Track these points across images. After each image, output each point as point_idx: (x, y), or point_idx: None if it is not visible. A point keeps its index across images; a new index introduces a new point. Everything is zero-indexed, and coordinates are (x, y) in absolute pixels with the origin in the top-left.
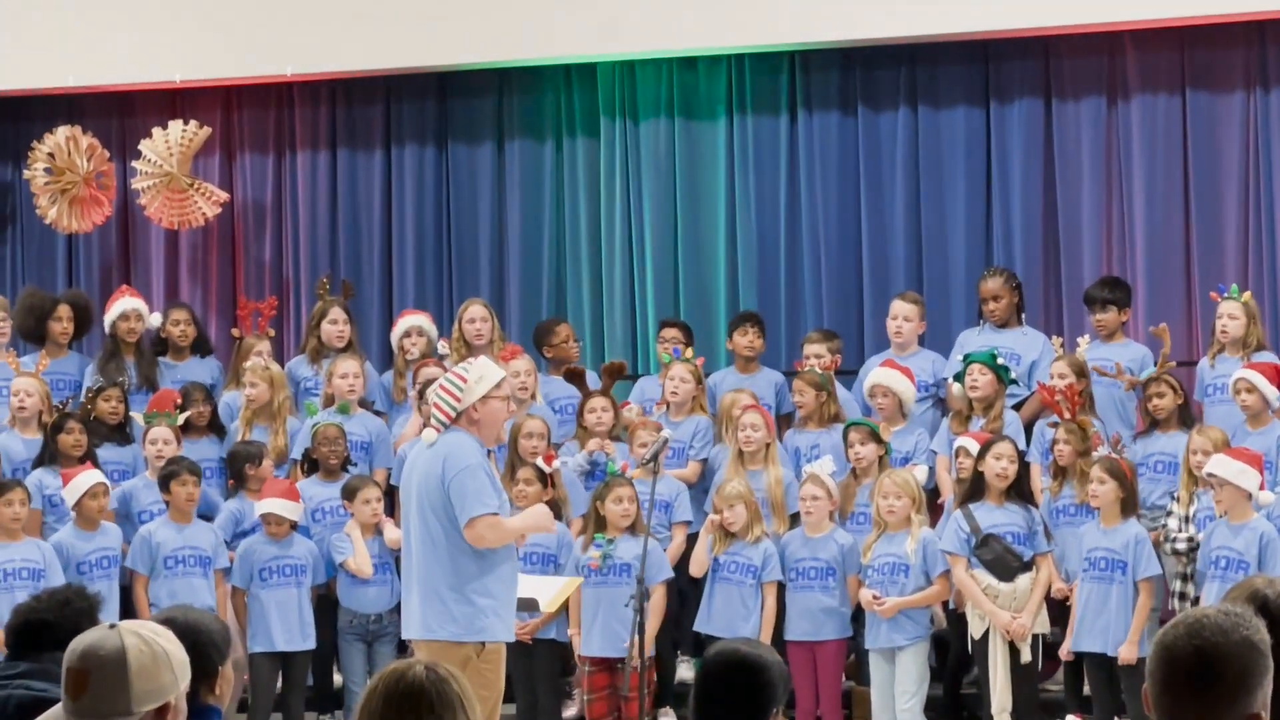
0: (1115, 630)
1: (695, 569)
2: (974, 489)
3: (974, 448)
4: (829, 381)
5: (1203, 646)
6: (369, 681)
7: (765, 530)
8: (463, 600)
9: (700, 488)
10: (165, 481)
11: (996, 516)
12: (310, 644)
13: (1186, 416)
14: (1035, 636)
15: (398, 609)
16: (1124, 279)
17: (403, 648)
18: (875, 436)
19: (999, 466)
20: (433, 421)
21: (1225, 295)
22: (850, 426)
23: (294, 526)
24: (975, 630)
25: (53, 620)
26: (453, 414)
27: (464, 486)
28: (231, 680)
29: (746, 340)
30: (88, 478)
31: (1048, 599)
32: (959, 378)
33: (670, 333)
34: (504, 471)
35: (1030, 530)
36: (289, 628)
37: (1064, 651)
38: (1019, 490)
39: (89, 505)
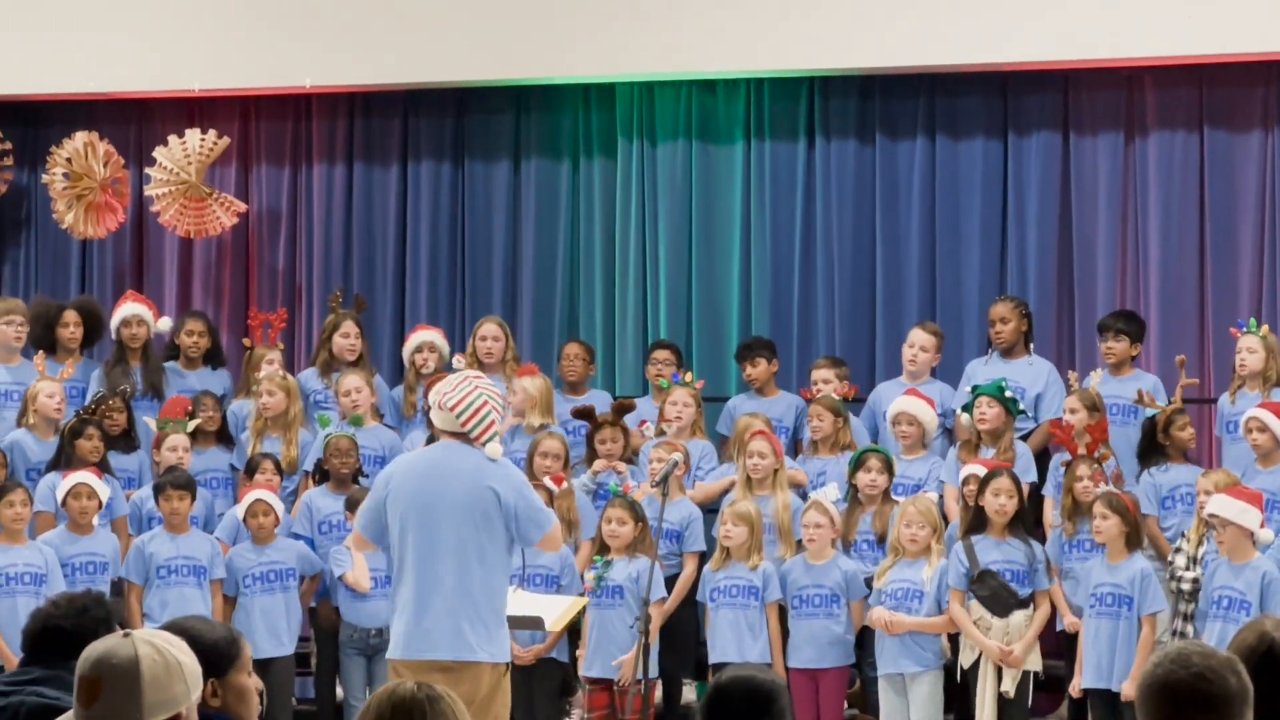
0: (1121, 666)
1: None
2: (976, 522)
3: (984, 474)
4: (844, 408)
5: (1201, 673)
6: (365, 700)
7: (763, 558)
8: (497, 621)
9: (710, 509)
10: (156, 493)
11: (996, 553)
12: (289, 650)
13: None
14: (1026, 673)
15: None
16: (1139, 314)
17: None
18: (889, 465)
19: (997, 503)
20: (493, 436)
21: (1244, 330)
22: (868, 453)
23: (277, 524)
24: (965, 660)
25: (69, 627)
26: (495, 429)
27: (533, 500)
28: (242, 691)
29: (757, 371)
30: (74, 477)
31: (1059, 634)
32: (967, 409)
33: (662, 354)
34: None
35: (1031, 567)
36: (272, 634)
37: (1074, 688)
38: (1022, 525)
39: (71, 505)
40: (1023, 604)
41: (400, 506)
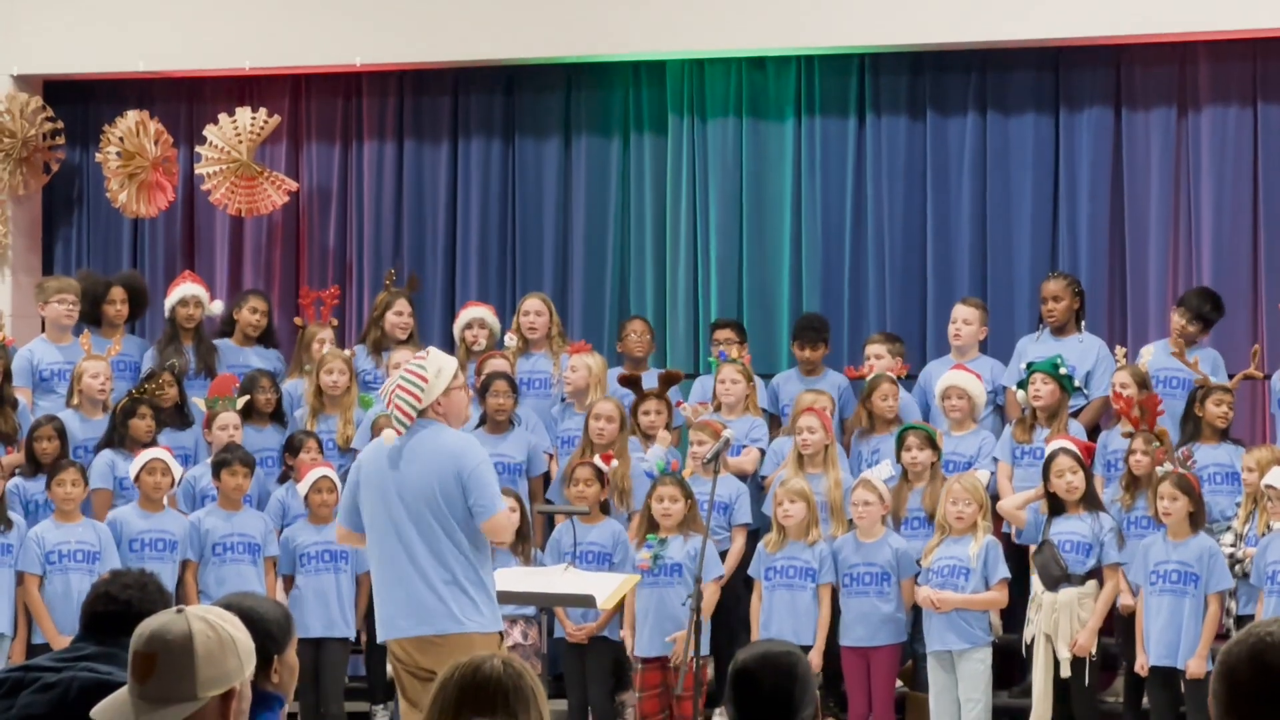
0: (1186, 644)
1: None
2: (1055, 505)
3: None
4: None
5: (1267, 666)
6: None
7: (821, 534)
8: (483, 591)
9: (756, 483)
10: (217, 469)
11: (1063, 525)
12: (347, 632)
13: (1229, 431)
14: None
15: None
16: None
17: None
18: (931, 441)
19: (1063, 483)
20: (394, 424)
21: None
22: (908, 430)
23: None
24: (1026, 635)
25: (131, 601)
26: (414, 414)
27: (485, 480)
28: (295, 668)
29: (804, 355)
30: (147, 454)
31: (1112, 612)
32: (1022, 385)
33: (723, 334)
34: (576, 456)
35: (1096, 540)
36: (326, 614)
37: (1140, 667)
38: (1090, 498)
39: (146, 481)
40: (1071, 579)
41: (370, 492)
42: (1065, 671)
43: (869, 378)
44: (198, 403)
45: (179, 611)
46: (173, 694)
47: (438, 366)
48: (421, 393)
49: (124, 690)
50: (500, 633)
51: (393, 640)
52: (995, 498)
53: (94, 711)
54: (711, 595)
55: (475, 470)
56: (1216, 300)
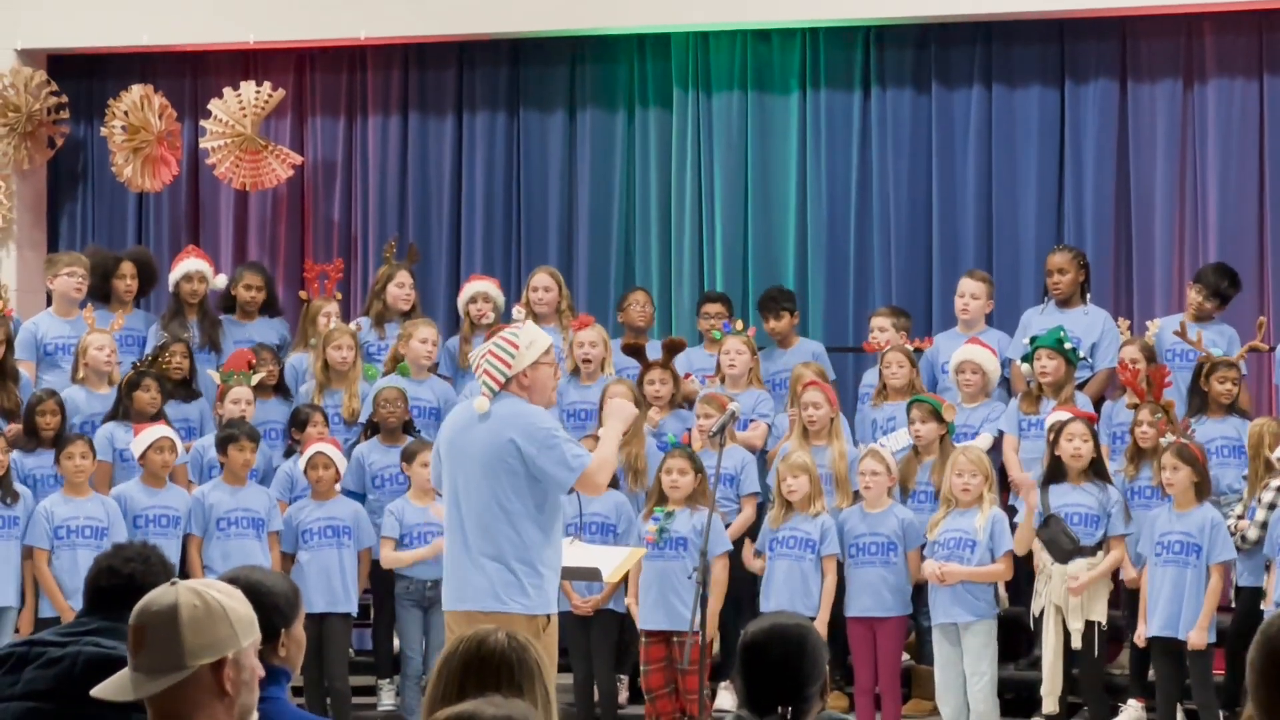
0: (1187, 615)
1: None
2: (1054, 471)
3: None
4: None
5: None
6: (446, 646)
7: (824, 505)
8: (532, 572)
9: (761, 455)
10: (223, 444)
11: (1069, 497)
12: (349, 607)
13: (1235, 404)
14: (1091, 624)
15: None
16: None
17: None
18: (936, 415)
19: (1071, 448)
20: (483, 389)
21: None
22: (913, 403)
23: (337, 479)
24: (1035, 607)
25: (133, 574)
26: (503, 380)
27: (557, 451)
28: (302, 642)
29: (780, 325)
30: (154, 431)
31: (1118, 584)
32: (1027, 359)
33: (714, 308)
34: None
35: (1104, 511)
36: (328, 590)
37: (1140, 637)
38: (1097, 470)
39: (154, 459)
40: (1083, 551)
41: (445, 458)
42: (1076, 643)
43: (885, 351)
44: (212, 375)
45: (172, 584)
46: (163, 664)
47: (530, 338)
48: (512, 359)
49: (125, 668)
50: (548, 616)
51: (448, 613)
52: (1001, 469)
53: (95, 691)
54: (721, 570)
55: (543, 445)
56: (1234, 276)
